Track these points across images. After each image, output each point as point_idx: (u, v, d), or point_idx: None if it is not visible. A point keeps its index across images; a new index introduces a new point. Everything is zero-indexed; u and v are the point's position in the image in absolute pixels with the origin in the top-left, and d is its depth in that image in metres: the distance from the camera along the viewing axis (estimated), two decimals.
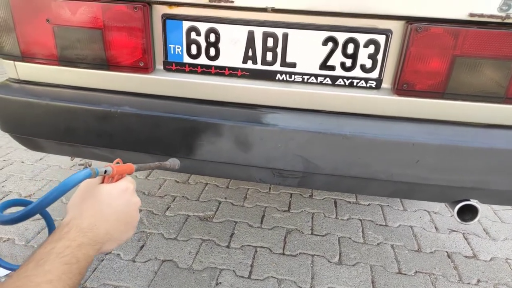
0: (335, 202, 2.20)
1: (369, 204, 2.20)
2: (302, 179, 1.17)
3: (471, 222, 1.12)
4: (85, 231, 0.60)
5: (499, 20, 0.90)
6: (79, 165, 0.67)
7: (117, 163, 0.72)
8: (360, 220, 2.03)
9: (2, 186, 2.17)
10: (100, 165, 0.66)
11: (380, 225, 2.00)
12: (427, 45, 0.96)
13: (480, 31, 0.92)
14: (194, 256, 1.69)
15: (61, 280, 0.52)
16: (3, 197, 2.05)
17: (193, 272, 1.59)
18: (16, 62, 1.17)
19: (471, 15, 0.90)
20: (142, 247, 1.73)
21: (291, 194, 2.27)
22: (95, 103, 1.14)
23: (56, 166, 2.44)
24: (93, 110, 1.14)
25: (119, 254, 1.67)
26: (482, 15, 0.90)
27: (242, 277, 1.58)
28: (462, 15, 0.91)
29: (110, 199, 0.65)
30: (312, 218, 2.03)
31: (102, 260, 1.63)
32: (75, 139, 1.22)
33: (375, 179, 1.10)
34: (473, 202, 1.10)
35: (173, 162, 0.93)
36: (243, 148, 1.10)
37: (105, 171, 0.65)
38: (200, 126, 1.10)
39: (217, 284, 1.54)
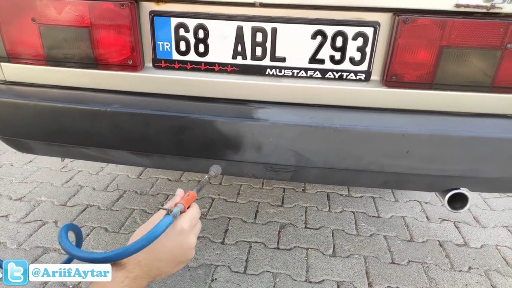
0: (327, 196, 2.22)
1: (361, 196, 2.22)
2: (294, 173, 1.18)
3: (462, 210, 1.14)
4: (141, 265, 0.66)
5: (484, 10, 0.91)
6: (159, 208, 0.73)
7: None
8: (353, 212, 2.05)
9: None
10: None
11: (373, 216, 2.02)
12: (415, 36, 0.96)
13: (466, 21, 0.93)
14: None
15: None
16: None
17: (188, 269, 1.59)
18: (1, 63, 1.15)
19: (457, 5, 0.91)
20: None
21: (284, 189, 2.28)
22: (84, 103, 1.13)
23: (46, 168, 2.41)
24: (82, 109, 1.12)
25: None
26: (468, 6, 0.90)
27: (237, 272, 1.59)
28: (448, 5, 0.91)
29: (164, 240, 0.68)
30: (306, 212, 2.05)
31: None
32: (64, 140, 1.21)
33: (366, 171, 1.11)
34: (463, 190, 1.12)
35: (217, 169, 1.01)
36: (235, 144, 1.10)
37: (180, 211, 0.73)
38: (190, 123, 1.10)
39: (212, 280, 1.54)
